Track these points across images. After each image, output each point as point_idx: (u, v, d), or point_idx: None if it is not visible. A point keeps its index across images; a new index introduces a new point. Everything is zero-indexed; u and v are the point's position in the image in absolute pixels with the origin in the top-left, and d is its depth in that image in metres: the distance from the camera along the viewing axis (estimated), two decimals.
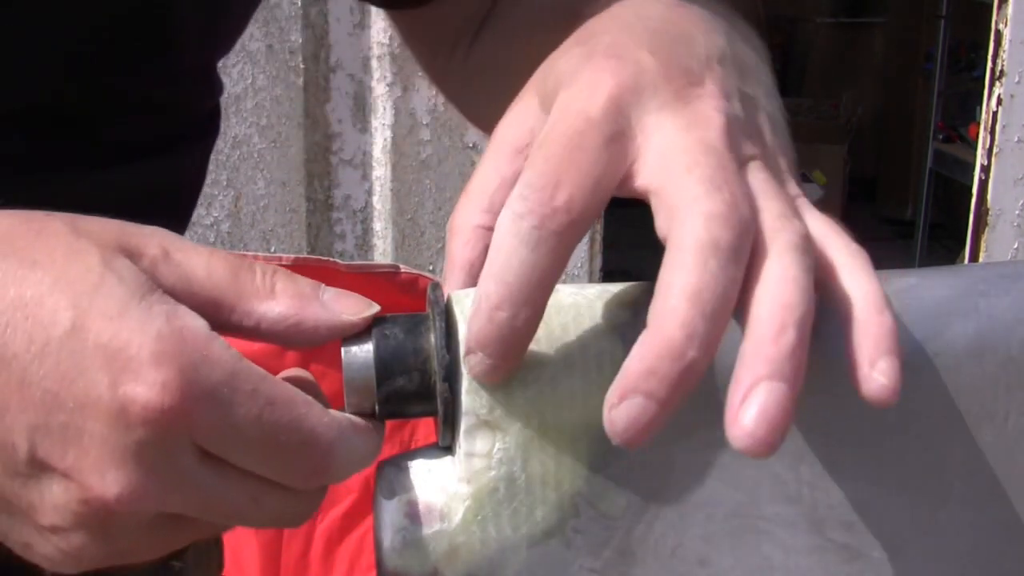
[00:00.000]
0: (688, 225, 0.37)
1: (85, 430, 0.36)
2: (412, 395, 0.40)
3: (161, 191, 0.58)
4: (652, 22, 0.44)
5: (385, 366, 0.40)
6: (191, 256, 0.39)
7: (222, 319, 0.39)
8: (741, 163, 0.40)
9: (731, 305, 0.36)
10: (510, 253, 0.37)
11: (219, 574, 0.72)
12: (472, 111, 0.73)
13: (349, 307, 0.40)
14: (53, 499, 0.37)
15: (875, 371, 0.37)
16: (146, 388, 0.35)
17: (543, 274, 0.37)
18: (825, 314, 0.39)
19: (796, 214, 0.40)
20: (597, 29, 0.44)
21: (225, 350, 0.37)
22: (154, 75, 0.54)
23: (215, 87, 0.63)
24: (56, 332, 0.36)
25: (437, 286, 0.42)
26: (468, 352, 0.38)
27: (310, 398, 0.39)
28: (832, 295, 0.39)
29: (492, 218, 0.44)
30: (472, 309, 0.38)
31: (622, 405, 0.36)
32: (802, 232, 0.38)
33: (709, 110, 0.40)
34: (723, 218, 0.36)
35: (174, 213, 0.61)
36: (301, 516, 0.41)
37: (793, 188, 0.42)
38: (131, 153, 0.55)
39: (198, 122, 0.61)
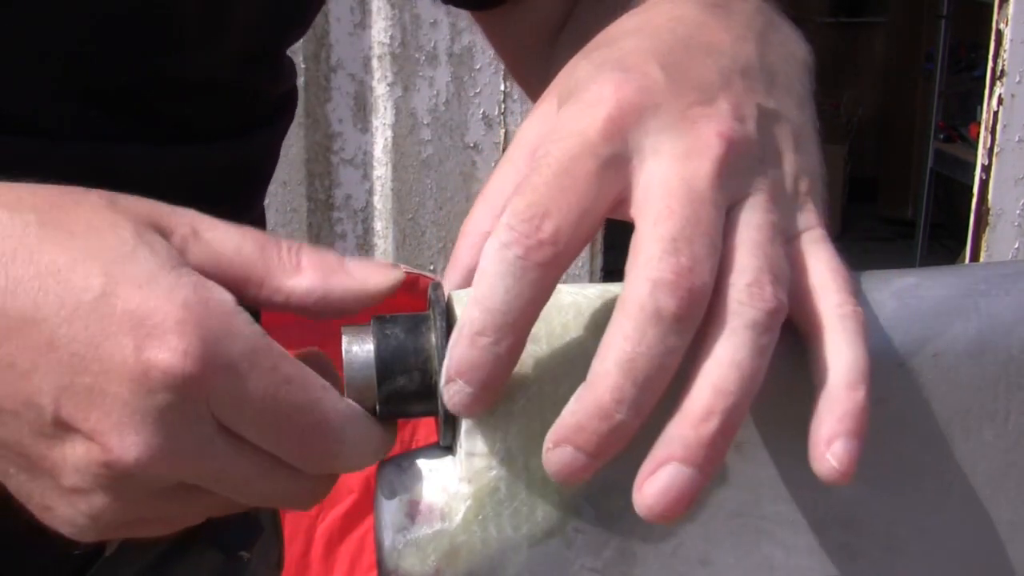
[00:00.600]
0: (636, 288, 0.37)
1: (108, 392, 0.36)
2: (413, 394, 0.40)
3: (229, 173, 0.59)
4: (680, 27, 0.43)
5: (386, 365, 0.40)
6: (220, 234, 0.40)
7: (251, 295, 0.40)
8: (735, 201, 0.39)
9: (668, 372, 0.36)
10: (495, 281, 0.37)
11: (279, 572, 0.73)
12: None
13: (374, 274, 0.41)
14: (76, 460, 0.38)
15: (829, 452, 0.37)
16: (169, 354, 0.36)
17: (527, 303, 0.37)
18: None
19: (775, 278, 0.38)
20: (625, 29, 0.44)
21: (248, 325, 0.38)
22: (212, 57, 0.55)
23: (284, 72, 0.63)
24: (86, 297, 0.37)
25: (438, 286, 0.42)
26: (448, 381, 0.38)
27: (327, 383, 0.39)
28: (813, 357, 0.39)
29: None
30: (454, 335, 0.38)
31: (555, 451, 0.37)
32: (768, 307, 0.37)
33: (711, 135, 0.39)
34: (671, 286, 0.36)
35: (240, 195, 0.62)
36: (311, 497, 0.41)
37: (808, 218, 0.41)
38: (197, 133, 0.56)
39: (267, 107, 0.62)
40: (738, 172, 0.39)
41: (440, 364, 0.40)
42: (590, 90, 0.40)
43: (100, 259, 0.37)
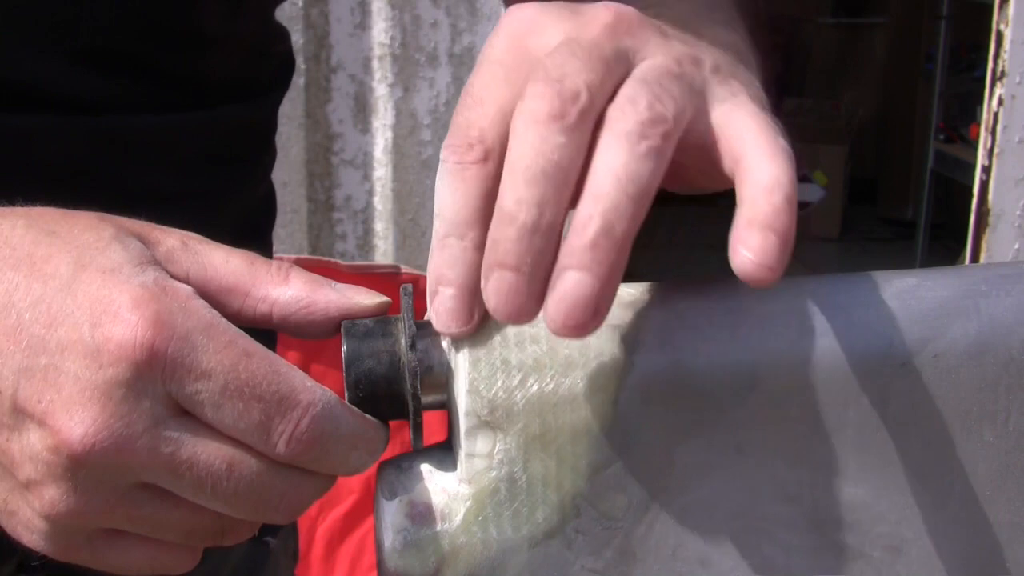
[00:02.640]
0: (519, 107, 0.38)
1: (62, 370, 0.37)
2: (384, 398, 0.40)
3: (237, 134, 0.60)
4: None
5: (353, 367, 0.40)
6: (210, 248, 0.41)
7: (236, 305, 0.41)
8: (638, 59, 0.40)
9: (559, 169, 0.37)
10: (443, 191, 0.40)
11: (295, 564, 0.74)
12: None
13: (359, 293, 0.42)
14: (29, 449, 0.38)
15: (743, 246, 0.37)
16: (122, 327, 0.37)
17: (475, 199, 0.39)
18: (831, 307, 0.39)
19: (655, 97, 0.38)
20: None
21: (205, 307, 0.38)
22: (209, 11, 0.56)
23: (278, 32, 0.65)
24: (54, 284, 0.38)
25: (408, 289, 0.42)
26: (431, 295, 0.40)
27: (294, 365, 0.39)
28: (738, 187, 0.39)
29: None
30: (430, 255, 0.40)
31: (487, 283, 0.38)
32: (641, 118, 0.38)
33: (600, 9, 0.41)
34: (540, 93, 0.38)
35: (248, 153, 0.63)
36: (281, 499, 0.40)
37: (733, 85, 0.42)
38: (205, 98, 0.57)
39: (267, 70, 0.64)
40: (638, 37, 0.41)
41: (408, 369, 0.40)
42: (495, 33, 0.42)
43: (74, 252, 0.38)
